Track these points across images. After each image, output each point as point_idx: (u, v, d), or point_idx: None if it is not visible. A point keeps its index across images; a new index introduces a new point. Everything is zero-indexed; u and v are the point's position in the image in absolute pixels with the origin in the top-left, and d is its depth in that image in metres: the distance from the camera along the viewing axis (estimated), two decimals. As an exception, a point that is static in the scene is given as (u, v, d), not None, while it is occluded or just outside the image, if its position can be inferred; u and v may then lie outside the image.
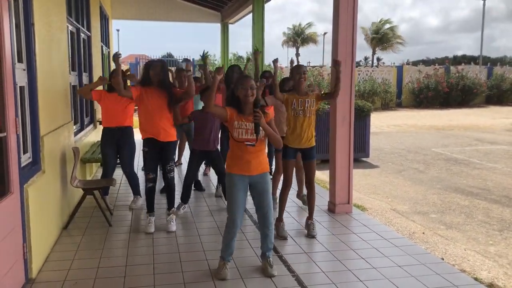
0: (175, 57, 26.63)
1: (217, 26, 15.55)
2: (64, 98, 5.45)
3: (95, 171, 7.90)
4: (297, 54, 50.85)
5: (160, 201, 5.85)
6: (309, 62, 30.19)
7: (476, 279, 4.03)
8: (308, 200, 5.10)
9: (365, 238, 4.83)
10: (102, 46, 10.73)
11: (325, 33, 54.98)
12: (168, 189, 5.11)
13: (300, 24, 54.86)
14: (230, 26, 14.99)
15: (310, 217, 5.06)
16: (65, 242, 4.67)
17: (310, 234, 4.90)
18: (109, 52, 12.44)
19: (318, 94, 4.94)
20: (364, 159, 10.16)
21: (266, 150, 4.17)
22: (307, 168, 5.01)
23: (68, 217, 5.15)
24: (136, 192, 6.01)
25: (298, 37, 53.30)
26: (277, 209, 5.07)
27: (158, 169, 5.46)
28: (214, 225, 5.23)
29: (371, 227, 5.22)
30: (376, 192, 7.45)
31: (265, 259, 4.00)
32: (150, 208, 5.04)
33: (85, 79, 7.81)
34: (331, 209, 5.84)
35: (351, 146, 5.80)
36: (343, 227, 5.24)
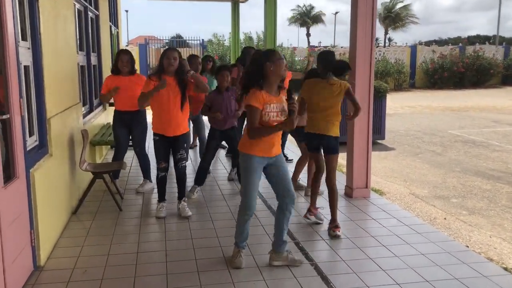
0: (184, 38, 26.23)
1: (228, 5, 15.17)
2: (71, 79, 5.25)
3: (105, 154, 7.75)
4: (308, 34, 50.13)
5: (173, 186, 5.68)
6: (319, 43, 29.79)
7: (505, 268, 3.81)
8: (329, 197, 4.48)
9: (385, 224, 4.63)
10: (110, 26, 10.49)
11: (336, 13, 54.15)
12: (179, 180, 4.87)
13: (309, 4, 53.97)
14: (241, 5, 14.60)
15: (333, 219, 4.43)
16: (75, 228, 4.53)
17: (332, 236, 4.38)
18: (117, 33, 12.20)
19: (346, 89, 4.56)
20: (379, 141, 9.89)
21: None
22: (327, 161, 4.57)
23: (78, 202, 5.01)
24: (146, 176, 5.85)
25: (307, 17, 52.38)
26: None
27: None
28: (228, 210, 5.06)
29: (391, 212, 5.01)
30: (394, 176, 7.22)
31: (284, 252, 3.71)
32: (161, 197, 4.88)
33: (93, 59, 7.60)
34: (348, 193, 5.63)
35: (369, 128, 5.56)
36: (361, 212, 5.04)
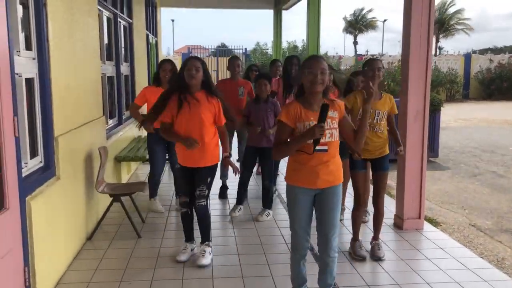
0: (228, 47, 26.01)
1: (270, 12, 14.70)
2: (92, 91, 4.84)
3: (134, 169, 7.34)
4: (355, 42, 48.91)
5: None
6: (367, 51, 28.82)
7: None
8: (375, 217, 4.22)
9: (442, 267, 3.88)
10: (148, 35, 10.20)
11: (385, 20, 52.68)
12: (199, 220, 3.97)
13: (362, 9, 52.52)
14: (283, 12, 14.08)
15: (375, 237, 4.20)
16: (85, 258, 4.05)
17: (375, 256, 4.03)
18: (156, 42, 11.94)
19: (393, 107, 4.04)
20: (432, 159, 9.01)
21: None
22: (376, 179, 4.14)
23: (94, 226, 4.55)
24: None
25: (358, 24, 50.98)
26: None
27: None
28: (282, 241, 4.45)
29: (449, 250, 4.25)
30: (450, 202, 6.38)
31: None
32: (188, 237, 4.08)
33: (124, 69, 7.24)
34: (398, 224, 4.90)
35: (424, 148, 4.82)
36: (413, 249, 4.30)
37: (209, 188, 3.93)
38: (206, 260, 3.90)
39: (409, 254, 4.19)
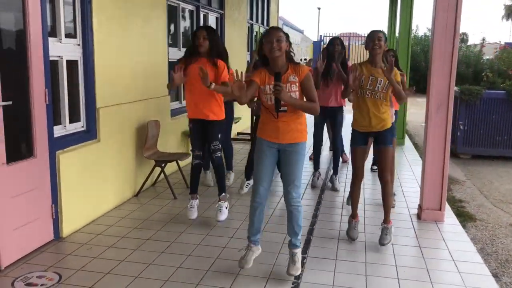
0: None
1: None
2: (146, 74, 5.57)
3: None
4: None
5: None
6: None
7: None
8: (382, 196, 4.19)
9: (428, 255, 3.87)
10: (251, 25, 10.96)
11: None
12: (216, 172, 4.65)
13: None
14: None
15: (385, 219, 4.18)
16: (124, 209, 4.94)
17: (380, 242, 4.09)
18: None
19: (397, 78, 4.05)
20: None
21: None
22: (379, 155, 4.19)
23: (140, 186, 5.44)
24: (228, 167, 5.91)
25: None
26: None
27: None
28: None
29: (449, 243, 4.15)
30: (511, 202, 5.89)
31: (290, 251, 3.51)
32: (193, 189, 4.64)
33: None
34: (419, 214, 4.85)
35: (447, 139, 4.67)
36: (413, 237, 4.29)
37: (220, 141, 4.60)
38: (223, 215, 4.53)
39: (401, 240, 4.20)
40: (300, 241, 3.54)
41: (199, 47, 4.39)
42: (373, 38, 4.02)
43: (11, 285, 3.31)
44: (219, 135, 4.63)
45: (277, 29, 3.34)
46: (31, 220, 3.81)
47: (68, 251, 3.89)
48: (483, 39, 41.79)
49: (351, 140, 4.25)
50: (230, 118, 5.77)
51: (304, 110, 3.35)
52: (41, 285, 3.32)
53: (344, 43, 6.10)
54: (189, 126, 4.71)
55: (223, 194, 4.65)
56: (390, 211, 4.20)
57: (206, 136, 4.59)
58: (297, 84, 3.30)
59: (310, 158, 7.29)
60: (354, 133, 4.19)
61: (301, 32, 59.62)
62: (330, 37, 7.71)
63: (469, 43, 28.83)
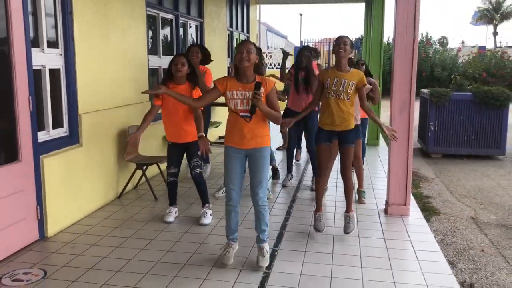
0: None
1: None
2: (129, 80, 5.85)
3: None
4: (495, 33, 44.50)
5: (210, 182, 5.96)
6: (506, 43, 26.37)
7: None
8: (344, 190, 4.54)
9: (391, 245, 4.17)
10: (231, 32, 11.26)
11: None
12: (197, 185, 4.84)
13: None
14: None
15: (347, 208, 4.51)
16: (108, 210, 5.16)
17: (344, 230, 4.43)
18: (248, 38, 12.97)
19: (362, 79, 4.35)
20: (500, 157, 8.59)
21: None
22: (341, 153, 4.47)
23: (122, 189, 5.67)
24: (206, 160, 6.42)
25: (497, 13, 46.24)
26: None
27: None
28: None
29: (412, 234, 4.46)
30: (474, 197, 6.26)
31: (258, 245, 3.81)
32: (172, 201, 4.93)
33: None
34: (386, 209, 5.17)
35: (410, 138, 5.00)
36: (378, 230, 4.60)
37: (199, 159, 4.79)
38: (207, 219, 4.79)
39: (368, 233, 4.50)
40: (267, 236, 3.83)
41: (177, 72, 4.55)
42: (338, 43, 4.31)
43: (-1, 281, 3.53)
44: (198, 152, 4.67)
45: (249, 42, 3.66)
46: (17, 220, 4.02)
47: (53, 249, 4.11)
48: (463, 42, 42.71)
49: (315, 138, 4.55)
50: (206, 122, 6.06)
51: (271, 118, 3.66)
52: (27, 280, 3.54)
53: (318, 50, 6.47)
54: (168, 143, 4.89)
55: (207, 204, 4.90)
56: (352, 201, 4.54)
57: (186, 155, 4.80)
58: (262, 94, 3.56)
59: (278, 149, 7.84)
60: (319, 130, 4.47)
61: (285, 37, 60.32)
62: (310, 43, 8.05)
63: (448, 46, 29.55)
